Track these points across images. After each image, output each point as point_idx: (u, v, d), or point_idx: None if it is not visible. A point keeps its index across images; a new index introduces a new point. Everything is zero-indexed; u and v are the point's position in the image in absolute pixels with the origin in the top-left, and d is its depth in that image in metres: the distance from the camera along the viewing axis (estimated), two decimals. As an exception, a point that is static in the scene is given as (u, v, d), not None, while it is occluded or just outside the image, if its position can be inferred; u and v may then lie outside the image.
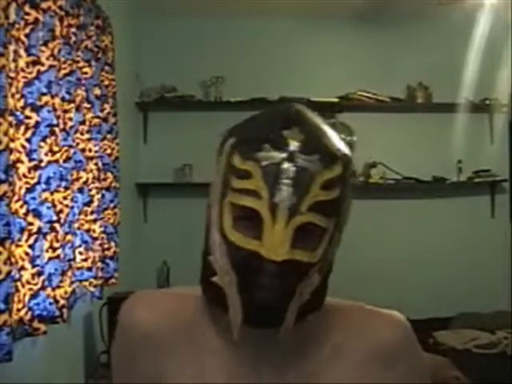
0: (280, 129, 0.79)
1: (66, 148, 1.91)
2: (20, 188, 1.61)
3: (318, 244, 0.79)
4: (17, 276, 1.57)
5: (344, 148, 0.84)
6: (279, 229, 0.75)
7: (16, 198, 1.58)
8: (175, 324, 0.87)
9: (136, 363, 0.88)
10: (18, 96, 1.59)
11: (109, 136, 2.65)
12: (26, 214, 1.61)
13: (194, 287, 0.89)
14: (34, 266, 1.62)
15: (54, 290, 1.74)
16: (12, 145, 1.50)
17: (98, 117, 2.49)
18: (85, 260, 2.28)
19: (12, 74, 1.52)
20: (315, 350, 0.86)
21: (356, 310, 0.91)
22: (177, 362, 0.85)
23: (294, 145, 0.78)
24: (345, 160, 0.81)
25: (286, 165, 0.76)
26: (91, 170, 2.36)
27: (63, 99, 1.89)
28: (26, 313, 1.61)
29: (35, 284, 1.63)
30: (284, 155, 0.77)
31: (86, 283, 2.31)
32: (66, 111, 1.93)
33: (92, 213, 2.35)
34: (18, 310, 1.57)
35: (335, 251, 0.86)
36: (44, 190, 1.69)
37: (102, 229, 2.50)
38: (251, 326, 0.77)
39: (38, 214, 1.64)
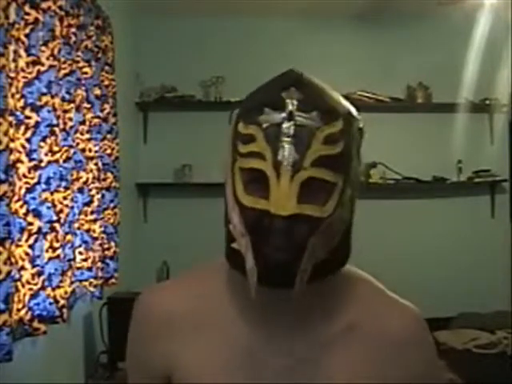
0: (279, 91, 0.82)
1: (66, 148, 1.91)
2: (20, 188, 1.61)
3: (327, 199, 0.79)
4: (17, 276, 1.57)
5: (347, 106, 0.85)
6: (284, 185, 0.77)
7: (16, 198, 1.58)
8: (200, 302, 0.89)
9: (154, 346, 0.91)
10: (18, 96, 1.59)
11: (109, 136, 2.65)
12: (25, 214, 1.61)
13: (214, 262, 0.92)
14: (34, 266, 1.62)
15: (54, 289, 1.74)
16: (12, 145, 1.50)
17: (98, 117, 2.49)
18: (85, 260, 2.28)
19: (12, 74, 1.52)
20: (330, 321, 0.86)
21: (376, 291, 0.92)
22: (209, 334, 0.87)
23: (292, 104, 0.80)
24: (346, 116, 0.83)
25: (285, 124, 0.79)
26: (91, 170, 2.36)
27: (63, 99, 1.89)
28: (26, 313, 1.61)
29: (35, 284, 1.63)
30: (283, 115, 0.79)
31: (86, 283, 2.31)
32: (66, 111, 1.93)
33: (92, 213, 2.35)
34: (18, 310, 1.57)
35: (351, 210, 0.87)
36: (44, 190, 1.69)
37: (102, 229, 2.50)
38: (266, 285, 0.78)
39: (38, 214, 1.64)
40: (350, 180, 0.82)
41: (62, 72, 1.90)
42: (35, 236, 1.62)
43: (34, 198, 1.64)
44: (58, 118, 1.76)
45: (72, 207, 1.99)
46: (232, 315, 0.87)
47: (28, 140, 1.63)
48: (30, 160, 1.64)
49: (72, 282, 1.97)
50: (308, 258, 0.78)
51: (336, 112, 0.81)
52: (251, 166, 0.80)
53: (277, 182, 0.77)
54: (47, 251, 1.71)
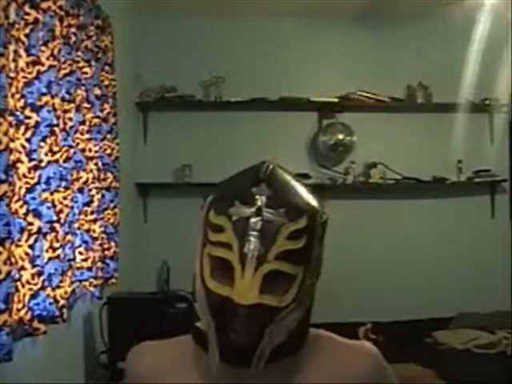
0: (250, 186, 0.89)
1: (66, 148, 1.91)
2: (20, 188, 1.61)
3: (287, 290, 0.87)
4: (17, 276, 1.57)
5: (312, 201, 0.93)
6: (248, 276, 0.84)
7: (16, 198, 1.58)
8: (170, 367, 0.97)
9: None
10: (17, 96, 1.59)
11: (109, 136, 2.65)
12: (25, 214, 1.61)
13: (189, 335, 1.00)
14: (34, 266, 1.62)
15: (53, 290, 1.74)
16: (12, 145, 1.49)
17: (98, 117, 2.49)
18: (85, 260, 2.27)
19: (12, 74, 1.52)
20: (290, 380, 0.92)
21: (328, 342, 0.97)
22: None
23: (261, 200, 0.87)
24: (311, 212, 0.90)
25: (253, 219, 0.86)
26: (91, 170, 2.36)
27: (63, 99, 1.89)
28: (26, 313, 1.61)
29: (35, 284, 1.63)
30: (252, 210, 0.86)
31: (86, 283, 2.31)
32: (66, 111, 1.93)
33: (92, 213, 2.35)
34: (18, 310, 1.57)
35: (311, 296, 0.93)
36: (44, 190, 1.69)
37: (102, 229, 2.49)
38: (227, 364, 0.86)
39: (38, 214, 1.64)
40: (310, 270, 0.89)
41: (62, 72, 1.90)
42: (35, 236, 1.62)
43: (33, 198, 1.64)
44: (58, 118, 1.76)
45: (72, 207, 1.99)
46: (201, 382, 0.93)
47: (28, 140, 1.63)
48: (30, 160, 1.64)
49: (72, 282, 1.97)
50: (265, 343, 0.85)
51: (301, 209, 0.89)
52: (218, 255, 0.87)
53: (241, 274, 0.84)
54: (47, 251, 1.71)
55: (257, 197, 0.87)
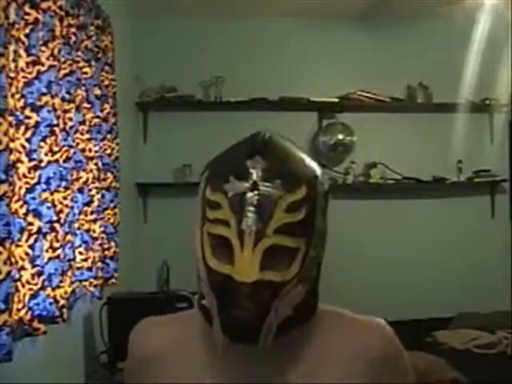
0: (244, 159, 0.86)
1: (66, 148, 1.91)
2: (20, 188, 1.61)
3: (289, 263, 0.84)
4: (17, 276, 1.57)
5: (312, 169, 0.90)
6: (247, 253, 0.82)
7: (16, 198, 1.58)
8: (176, 345, 0.95)
9: (143, 379, 0.97)
10: (17, 96, 1.59)
11: (109, 136, 2.65)
12: (25, 214, 1.61)
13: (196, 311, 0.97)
14: (34, 266, 1.62)
15: (53, 290, 1.74)
16: (12, 145, 1.49)
17: (98, 117, 2.49)
18: (85, 260, 2.27)
19: (12, 74, 1.52)
20: (300, 363, 0.89)
21: (338, 318, 0.95)
22: (175, 377, 0.92)
23: (256, 173, 0.84)
24: (311, 181, 0.87)
25: (249, 194, 0.83)
26: (91, 170, 2.36)
27: (63, 99, 1.89)
28: (26, 313, 1.61)
29: (35, 284, 1.63)
30: (247, 185, 0.84)
31: (86, 283, 2.31)
32: (66, 111, 1.93)
33: (92, 213, 2.35)
34: (18, 310, 1.57)
35: (316, 269, 0.90)
36: (44, 190, 1.69)
37: (102, 229, 2.49)
38: (233, 341, 0.84)
39: (38, 214, 1.64)
40: (313, 242, 0.87)
41: (62, 72, 1.90)
42: (35, 236, 1.62)
43: (33, 198, 1.64)
44: (58, 118, 1.75)
45: (72, 207, 1.99)
46: (204, 363, 0.91)
47: (28, 140, 1.63)
48: (30, 160, 1.64)
49: (72, 282, 1.97)
50: (271, 319, 0.82)
51: (299, 179, 0.86)
52: (217, 233, 0.85)
53: (240, 250, 0.82)
54: (47, 251, 1.71)
55: (251, 170, 0.84)
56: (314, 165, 0.91)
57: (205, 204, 0.88)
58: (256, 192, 0.83)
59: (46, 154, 1.70)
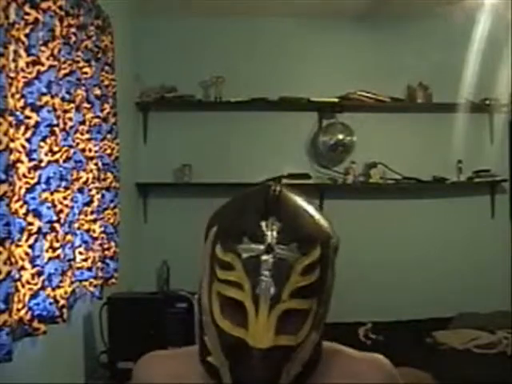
0: (258, 219, 0.83)
1: (66, 148, 1.91)
2: (20, 188, 1.61)
3: (301, 326, 0.84)
4: (17, 276, 1.57)
5: (324, 227, 0.87)
6: (262, 319, 0.80)
7: (16, 197, 1.58)
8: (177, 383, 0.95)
9: None
10: (18, 96, 1.59)
11: (109, 136, 2.65)
12: (25, 214, 1.61)
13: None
14: (34, 266, 1.62)
15: (53, 289, 1.74)
16: (12, 145, 1.49)
17: (98, 117, 2.49)
18: (85, 260, 2.28)
19: (12, 74, 1.52)
20: None
21: (338, 356, 0.95)
22: None
23: (271, 236, 0.82)
24: (324, 239, 0.85)
25: (264, 257, 0.81)
26: (91, 170, 2.36)
27: (63, 99, 1.89)
28: (26, 313, 1.61)
29: (35, 284, 1.63)
30: (262, 247, 0.81)
31: (86, 283, 2.31)
32: (66, 111, 1.93)
33: (92, 213, 2.35)
34: (18, 310, 1.57)
35: (322, 324, 0.90)
36: (44, 190, 1.69)
37: (102, 229, 2.49)
38: None
39: (38, 214, 1.64)
40: (323, 300, 0.86)
41: (62, 72, 1.90)
42: (35, 236, 1.62)
43: (33, 198, 1.64)
44: (58, 118, 1.76)
45: (72, 207, 1.99)
46: None
47: (28, 140, 1.63)
48: (30, 160, 1.64)
49: (72, 282, 1.97)
50: (283, 381, 0.83)
51: (314, 240, 0.84)
52: (230, 295, 0.83)
53: (255, 315, 0.81)
54: (47, 251, 1.71)
55: (267, 232, 0.82)
56: (325, 221, 0.89)
57: (214, 262, 0.85)
58: (272, 255, 0.81)
59: (46, 154, 1.70)
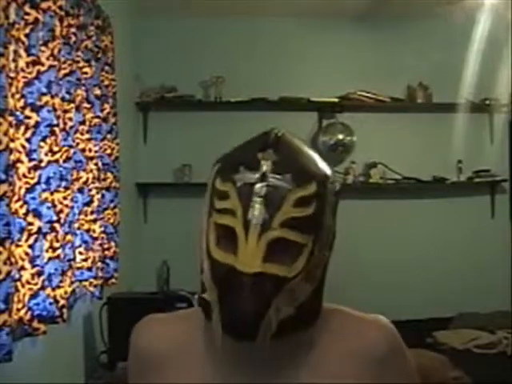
0: (256, 152, 0.85)
1: (66, 148, 1.91)
2: (20, 188, 1.61)
3: (295, 259, 0.82)
4: (17, 276, 1.57)
5: (324, 169, 0.88)
6: (251, 243, 0.80)
7: (16, 197, 1.58)
8: (177, 344, 0.94)
9: (145, 378, 0.96)
10: (18, 96, 1.59)
11: (109, 136, 2.65)
12: (26, 214, 1.61)
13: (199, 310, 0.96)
14: (33, 266, 1.62)
15: (53, 289, 1.74)
16: (12, 145, 1.50)
17: (98, 117, 2.49)
18: (85, 260, 2.28)
19: (12, 74, 1.52)
20: (304, 363, 0.88)
21: (341, 316, 0.94)
22: (177, 376, 0.91)
23: (267, 165, 0.83)
24: (321, 179, 0.86)
25: (258, 184, 0.82)
26: (91, 170, 2.36)
27: (63, 99, 1.89)
28: (26, 313, 1.61)
29: (35, 284, 1.63)
30: (257, 175, 0.83)
31: (86, 283, 2.31)
32: (66, 111, 1.93)
33: (92, 213, 2.35)
34: (18, 310, 1.57)
35: (323, 268, 0.89)
36: (44, 190, 1.69)
37: (102, 229, 2.49)
38: (231, 337, 0.82)
39: (38, 214, 1.64)
40: (320, 241, 0.85)
41: (62, 72, 1.90)
42: (35, 236, 1.62)
43: (33, 198, 1.64)
44: (58, 118, 1.76)
45: (72, 207, 1.99)
46: (206, 362, 0.90)
47: (28, 140, 1.63)
48: (30, 160, 1.64)
49: (72, 282, 1.97)
50: (271, 314, 0.80)
51: (310, 175, 0.85)
52: (223, 222, 0.84)
53: (245, 240, 0.81)
54: (47, 251, 1.71)
55: (262, 162, 0.83)
56: (324, 164, 0.90)
57: (213, 194, 0.87)
58: (265, 183, 0.82)
59: (46, 154, 1.70)
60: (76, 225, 2.16)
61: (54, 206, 1.74)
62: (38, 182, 1.66)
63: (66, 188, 1.88)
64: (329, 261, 0.90)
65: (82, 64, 2.27)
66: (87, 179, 2.30)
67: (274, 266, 0.80)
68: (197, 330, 0.94)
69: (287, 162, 0.84)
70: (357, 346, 0.89)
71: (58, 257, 1.75)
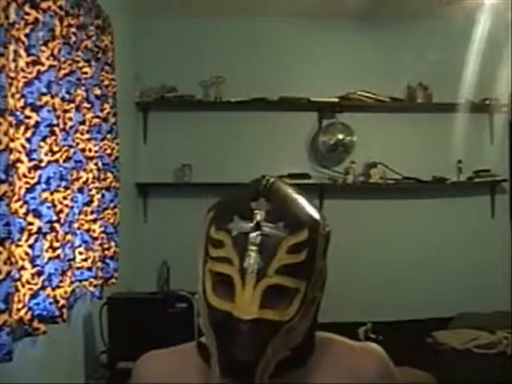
0: (249, 201, 0.88)
1: (66, 148, 1.91)
2: (20, 188, 1.61)
3: (288, 304, 0.86)
4: (17, 276, 1.57)
5: (313, 214, 0.91)
6: (248, 291, 0.84)
7: (16, 197, 1.58)
8: (175, 380, 0.97)
9: None
10: (18, 96, 1.59)
11: (109, 136, 2.65)
12: (26, 214, 1.61)
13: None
14: (34, 266, 1.62)
15: (53, 289, 1.74)
16: (12, 145, 1.49)
17: (98, 117, 2.49)
18: (85, 260, 2.27)
19: (12, 74, 1.52)
20: None
21: (333, 347, 0.97)
22: None
23: (260, 215, 0.86)
24: (312, 225, 0.89)
25: (253, 234, 0.85)
26: (91, 170, 2.36)
27: (63, 99, 1.89)
28: (26, 313, 1.61)
29: (35, 284, 1.63)
30: (251, 225, 0.86)
31: (86, 283, 2.31)
32: (66, 111, 1.93)
33: (92, 213, 2.35)
34: (18, 310, 1.57)
35: (314, 310, 0.92)
36: (44, 190, 1.69)
37: (102, 229, 2.49)
38: (231, 380, 0.84)
39: (38, 214, 1.64)
40: (312, 284, 0.88)
41: (62, 72, 1.90)
42: (35, 236, 1.62)
43: (34, 198, 1.64)
44: (57, 118, 1.75)
45: (72, 207, 1.99)
46: None
47: (28, 140, 1.63)
48: (30, 160, 1.64)
49: (72, 282, 1.97)
50: (268, 357, 0.84)
51: (302, 222, 0.88)
52: (219, 271, 0.87)
53: (242, 288, 0.84)
54: (47, 251, 1.71)
55: (256, 211, 0.87)
56: (313, 209, 0.93)
57: (208, 243, 0.90)
58: (259, 232, 0.85)
59: (46, 154, 1.70)
60: (76, 225, 2.16)
61: (54, 205, 1.74)
62: (38, 182, 1.66)
63: (66, 188, 1.88)
64: (321, 301, 0.94)
65: (81, 64, 2.26)
66: (87, 179, 2.30)
67: (269, 312, 0.84)
68: (194, 367, 0.97)
69: (279, 210, 0.88)
70: (347, 374, 0.93)
71: (57, 257, 1.75)
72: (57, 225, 1.75)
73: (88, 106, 2.35)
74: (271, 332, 0.84)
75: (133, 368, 1.03)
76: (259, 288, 0.83)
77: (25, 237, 1.60)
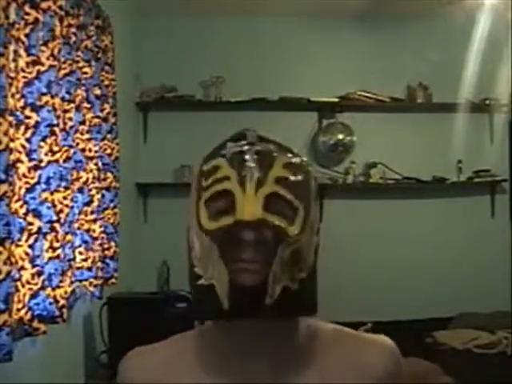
0: (239, 132, 0.89)
1: (66, 148, 1.91)
2: (20, 188, 1.61)
3: (293, 219, 0.82)
4: (17, 276, 1.57)
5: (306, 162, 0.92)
6: (249, 195, 0.80)
7: (16, 197, 1.58)
8: (165, 369, 0.91)
9: None
10: (18, 96, 1.59)
11: (109, 136, 2.65)
12: (26, 214, 1.61)
13: (185, 333, 0.96)
14: (34, 266, 1.62)
15: (53, 289, 1.74)
16: (12, 145, 1.49)
17: (98, 117, 2.49)
18: (85, 260, 2.27)
19: (12, 74, 1.52)
20: (301, 375, 0.87)
21: (342, 335, 0.93)
22: None
23: (252, 136, 0.86)
24: (302, 158, 0.91)
25: (248, 149, 0.85)
26: (91, 170, 2.36)
27: (63, 99, 1.89)
28: (26, 313, 1.61)
29: (35, 284, 1.63)
30: (245, 142, 0.86)
31: (86, 283, 2.31)
32: (66, 111, 1.93)
33: (92, 213, 2.35)
34: (18, 310, 1.57)
35: (312, 253, 0.87)
36: (44, 190, 1.69)
37: (102, 229, 2.49)
38: (238, 293, 0.79)
39: (38, 214, 1.64)
40: (310, 215, 0.85)
41: (62, 72, 1.90)
42: (35, 236, 1.62)
43: (33, 198, 1.64)
44: (58, 117, 1.75)
45: (72, 207, 1.99)
46: (197, 378, 0.88)
47: (28, 140, 1.63)
48: (30, 160, 1.64)
49: (72, 282, 1.97)
50: (275, 273, 0.78)
51: (293, 151, 0.89)
52: (217, 190, 0.83)
53: (242, 195, 0.80)
54: (47, 251, 1.71)
55: (248, 134, 0.87)
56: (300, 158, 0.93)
57: (201, 178, 0.87)
58: (254, 148, 0.85)
59: (46, 154, 1.70)
60: (76, 225, 2.16)
61: (54, 205, 1.74)
62: (38, 182, 1.66)
63: (66, 188, 1.88)
64: (318, 250, 0.90)
65: (81, 64, 2.26)
66: (87, 179, 2.30)
67: (273, 216, 0.80)
68: (185, 353, 0.92)
69: (270, 140, 0.88)
70: (354, 365, 0.88)
71: (58, 257, 1.75)
72: (57, 225, 1.75)
73: (88, 106, 2.35)
74: (277, 239, 0.79)
75: (118, 367, 0.97)
76: (260, 194, 0.80)
77: (25, 237, 1.60)
